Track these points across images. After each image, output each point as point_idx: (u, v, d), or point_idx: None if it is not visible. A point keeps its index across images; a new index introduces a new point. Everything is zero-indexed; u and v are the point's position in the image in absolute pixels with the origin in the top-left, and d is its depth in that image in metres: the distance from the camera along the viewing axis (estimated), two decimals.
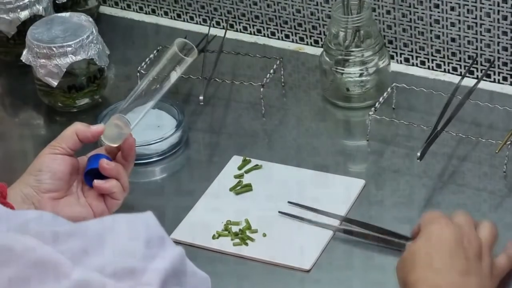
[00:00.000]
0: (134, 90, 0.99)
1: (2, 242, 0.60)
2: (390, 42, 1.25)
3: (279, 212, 1.04)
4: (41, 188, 0.94)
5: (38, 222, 0.63)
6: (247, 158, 1.13)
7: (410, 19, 1.23)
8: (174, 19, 1.40)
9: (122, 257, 0.61)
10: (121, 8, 1.43)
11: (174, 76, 0.99)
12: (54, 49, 1.19)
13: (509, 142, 1.08)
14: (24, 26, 1.28)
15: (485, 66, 1.21)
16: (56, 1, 1.35)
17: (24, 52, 1.22)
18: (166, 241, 0.64)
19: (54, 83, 1.20)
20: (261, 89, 1.20)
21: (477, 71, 1.22)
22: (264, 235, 1.03)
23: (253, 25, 1.34)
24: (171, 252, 0.63)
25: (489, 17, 1.18)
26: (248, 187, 1.09)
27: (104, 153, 0.98)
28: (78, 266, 0.60)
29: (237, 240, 1.03)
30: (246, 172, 1.12)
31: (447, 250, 0.87)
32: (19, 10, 1.29)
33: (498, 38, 1.19)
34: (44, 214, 0.64)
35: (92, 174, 0.97)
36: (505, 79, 1.21)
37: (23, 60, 1.22)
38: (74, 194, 0.96)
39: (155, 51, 1.28)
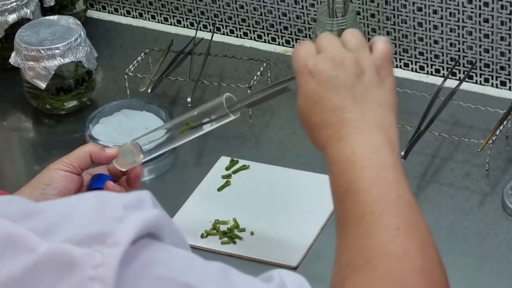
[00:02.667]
0: (164, 125, 0.95)
1: None
2: None
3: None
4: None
5: (5, 204, 0.63)
6: (234, 159, 1.15)
7: (394, 22, 1.25)
8: (161, 22, 1.41)
9: (90, 224, 0.60)
10: (109, 12, 1.44)
11: (208, 127, 0.93)
12: (43, 51, 1.20)
13: (490, 142, 1.10)
14: (11, 29, 1.29)
15: (467, 67, 1.23)
16: (44, 5, 1.35)
17: (13, 55, 1.23)
18: (145, 203, 0.62)
19: (43, 85, 1.21)
20: (248, 91, 1.21)
21: (459, 72, 1.24)
22: (252, 233, 1.05)
23: (240, 28, 1.36)
24: (145, 212, 0.61)
25: (471, 20, 1.20)
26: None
27: (107, 173, 0.96)
28: (46, 240, 0.60)
29: (225, 239, 1.04)
30: (234, 172, 1.13)
31: (321, 101, 0.77)
32: (6, 14, 1.30)
33: (480, 40, 1.21)
34: (14, 198, 0.64)
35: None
36: (486, 80, 1.23)
37: (11, 63, 1.23)
38: None
39: (142, 54, 1.29)
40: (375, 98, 0.77)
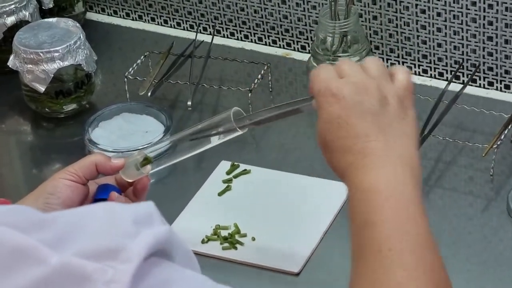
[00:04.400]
0: (170, 137, 0.94)
1: None
2: (377, 47, 1.26)
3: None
4: (48, 211, 0.92)
5: (13, 213, 0.62)
6: (235, 163, 1.13)
7: (397, 24, 1.24)
8: (161, 25, 1.40)
9: (99, 238, 0.60)
10: (108, 15, 1.43)
11: (216, 141, 0.91)
12: (41, 54, 1.18)
13: (495, 146, 1.09)
14: (10, 32, 1.28)
15: (471, 71, 1.22)
16: (43, 7, 1.34)
17: (11, 58, 1.22)
18: (154, 219, 0.62)
19: (42, 88, 1.20)
20: (249, 95, 1.20)
21: (463, 76, 1.23)
22: (253, 239, 1.03)
23: (240, 31, 1.35)
24: (156, 229, 0.61)
25: (475, 22, 1.19)
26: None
27: (114, 183, 0.95)
28: (56, 252, 0.59)
29: (226, 244, 1.03)
30: (235, 177, 1.12)
31: (345, 126, 0.77)
32: (5, 16, 1.29)
33: (484, 43, 1.20)
34: (20, 207, 0.64)
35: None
36: (490, 84, 1.22)
37: (10, 66, 1.22)
38: None
39: (142, 57, 1.28)
40: (399, 129, 0.77)
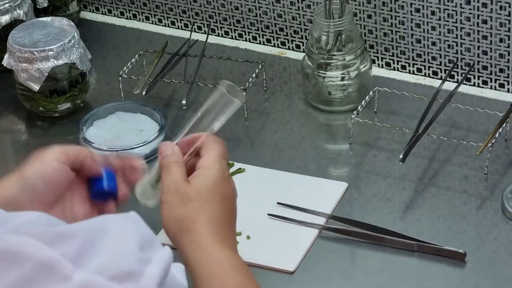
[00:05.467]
0: (176, 137, 0.92)
1: (4, 246, 0.60)
2: (372, 46, 1.26)
3: (268, 214, 1.05)
4: (32, 198, 0.92)
5: (34, 223, 0.63)
6: (230, 162, 1.13)
7: (391, 23, 1.24)
8: (156, 24, 1.40)
9: (118, 259, 0.62)
10: (102, 13, 1.43)
11: (218, 125, 0.92)
12: (36, 53, 1.18)
13: (489, 145, 1.09)
14: (4, 30, 1.28)
15: (465, 70, 1.22)
16: (37, 6, 1.34)
17: (6, 57, 1.22)
18: (155, 243, 0.66)
19: (36, 87, 1.20)
20: (244, 93, 1.20)
21: (458, 75, 1.23)
22: (248, 237, 1.03)
23: (235, 30, 1.35)
24: (162, 254, 0.65)
25: (469, 21, 1.19)
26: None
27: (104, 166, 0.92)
28: (78, 268, 0.61)
29: None
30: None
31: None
32: None
33: (478, 42, 1.20)
34: (40, 216, 0.65)
35: (98, 192, 0.90)
36: (485, 82, 1.22)
37: (4, 65, 1.22)
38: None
39: (136, 56, 1.28)
40: None
